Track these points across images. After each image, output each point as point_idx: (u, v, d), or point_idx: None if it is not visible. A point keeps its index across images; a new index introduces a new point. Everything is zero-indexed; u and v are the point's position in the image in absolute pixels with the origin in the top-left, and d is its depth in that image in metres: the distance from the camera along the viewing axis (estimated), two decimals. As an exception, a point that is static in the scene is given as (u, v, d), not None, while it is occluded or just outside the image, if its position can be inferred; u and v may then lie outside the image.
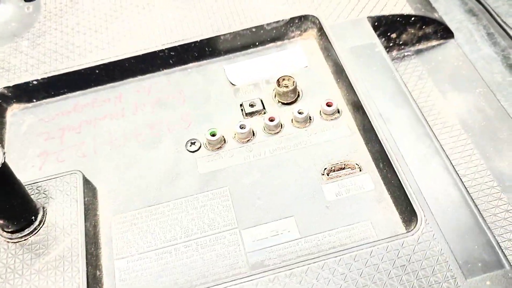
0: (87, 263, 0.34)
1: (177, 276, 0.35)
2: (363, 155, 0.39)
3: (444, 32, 0.48)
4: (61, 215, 0.36)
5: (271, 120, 0.41)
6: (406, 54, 0.48)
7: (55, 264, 0.34)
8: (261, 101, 0.43)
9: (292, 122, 0.42)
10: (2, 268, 0.33)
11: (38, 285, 0.33)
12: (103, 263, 0.36)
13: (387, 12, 0.46)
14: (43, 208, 0.36)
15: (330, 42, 0.44)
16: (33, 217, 0.35)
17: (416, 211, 0.34)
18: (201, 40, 0.46)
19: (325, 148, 0.40)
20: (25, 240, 0.35)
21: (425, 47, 0.49)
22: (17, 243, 0.35)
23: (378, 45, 0.43)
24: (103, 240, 0.37)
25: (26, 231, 0.35)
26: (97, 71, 0.46)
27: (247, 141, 0.41)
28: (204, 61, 0.47)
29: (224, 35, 0.46)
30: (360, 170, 0.39)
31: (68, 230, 0.35)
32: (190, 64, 0.47)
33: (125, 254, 0.36)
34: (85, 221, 0.36)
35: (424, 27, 0.47)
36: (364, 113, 0.39)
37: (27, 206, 0.34)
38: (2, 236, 0.35)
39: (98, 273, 0.35)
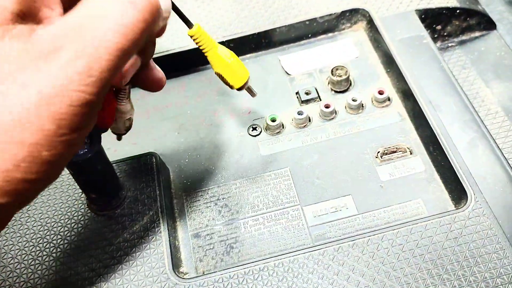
0: (167, 234, 0.38)
1: (247, 246, 0.39)
2: (413, 140, 0.43)
3: (487, 24, 0.51)
4: (142, 191, 0.40)
5: (327, 107, 0.45)
6: (450, 45, 0.51)
7: (141, 234, 0.38)
8: (316, 89, 0.47)
9: (345, 108, 0.45)
10: (96, 236, 0.38)
11: (128, 252, 0.37)
12: (179, 235, 0.40)
13: (434, 5, 0.49)
14: (126, 185, 0.40)
15: (380, 34, 0.47)
16: (119, 193, 0.39)
17: (466, 189, 0.37)
18: (258, 33, 0.50)
19: (378, 133, 0.43)
20: (112, 213, 0.39)
21: (468, 38, 0.52)
22: (105, 216, 0.39)
23: (426, 37, 0.46)
24: (178, 215, 0.41)
25: (114, 205, 0.39)
26: (161, 62, 0.50)
27: (304, 126, 0.45)
28: (260, 52, 0.51)
29: (279, 27, 0.50)
30: (411, 153, 0.42)
31: (149, 205, 0.39)
32: (247, 55, 0.51)
33: (198, 227, 0.40)
34: (163, 198, 0.40)
35: (468, 19, 0.50)
36: (414, 100, 0.43)
37: (115, 183, 0.39)
38: (92, 209, 0.39)
39: (177, 243, 0.39)
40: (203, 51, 0.35)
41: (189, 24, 0.33)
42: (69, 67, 0.21)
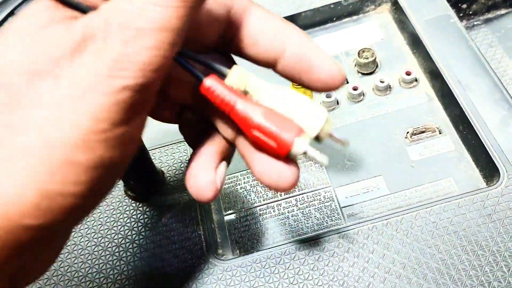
0: (203, 217, 0.39)
1: (281, 228, 0.39)
2: (442, 119, 0.43)
3: (513, 1, 0.51)
4: (177, 177, 0.41)
5: (355, 89, 0.45)
6: (475, 23, 0.51)
7: (178, 218, 0.39)
8: (343, 72, 0.47)
9: (373, 90, 0.46)
10: (135, 222, 0.39)
11: (167, 236, 0.38)
12: (215, 218, 0.41)
13: (459, -16, 0.49)
14: (162, 171, 0.41)
15: (405, 15, 0.47)
16: (155, 179, 0.41)
17: (498, 167, 0.37)
18: (283, 18, 0.50)
19: (406, 114, 0.44)
20: (150, 199, 0.40)
21: (494, 15, 0.51)
22: (143, 202, 0.40)
23: (453, 16, 0.46)
24: (212, 199, 0.42)
25: (151, 191, 0.40)
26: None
27: (332, 109, 0.45)
28: (286, 37, 0.51)
29: (305, 12, 0.50)
30: (440, 133, 0.42)
31: (184, 190, 0.40)
32: (273, 40, 0.51)
33: (233, 210, 0.41)
34: (197, 182, 0.41)
35: (494, -4, 0.50)
36: (442, 80, 0.43)
37: (152, 169, 0.40)
38: (129, 196, 0.41)
39: (212, 226, 0.40)
40: None
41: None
42: (104, 54, 0.18)
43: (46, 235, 0.19)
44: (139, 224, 0.39)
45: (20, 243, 0.18)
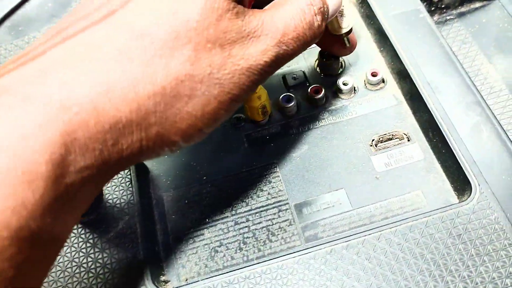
0: (146, 240, 0.35)
1: (232, 250, 0.35)
2: (410, 125, 0.39)
3: (488, -7, 0.47)
4: (117, 195, 0.37)
5: (316, 92, 0.41)
6: (448, 18, 0.47)
7: (116, 242, 0.35)
8: (304, 73, 0.43)
9: (336, 93, 0.42)
10: (67, 247, 0.35)
11: (103, 262, 0.34)
12: (160, 239, 0.37)
13: (429, -25, 0.45)
14: (100, 188, 0.37)
15: (372, 10, 0.43)
16: (91, 198, 0.36)
17: (470, 180, 0.34)
18: (240, 13, 0.45)
19: (372, 119, 0.40)
20: (83, 220, 0.36)
21: (467, 9, 0.48)
22: (78, 224, 0.36)
23: (423, 10, 0.43)
24: (157, 218, 0.38)
25: (87, 211, 0.36)
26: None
27: (292, 114, 0.41)
28: (243, 34, 0.47)
29: (262, 7, 0.46)
30: (409, 140, 0.38)
31: (125, 209, 0.36)
32: (229, 38, 0.47)
33: (180, 230, 0.37)
34: (140, 200, 0.37)
35: (467, -12, 0.46)
36: (411, 82, 0.39)
37: (85, 187, 0.35)
38: (63, 216, 0.36)
39: (157, 248, 0.36)
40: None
41: None
42: (262, 51, 0.28)
43: None
44: (72, 249, 0.35)
45: None
